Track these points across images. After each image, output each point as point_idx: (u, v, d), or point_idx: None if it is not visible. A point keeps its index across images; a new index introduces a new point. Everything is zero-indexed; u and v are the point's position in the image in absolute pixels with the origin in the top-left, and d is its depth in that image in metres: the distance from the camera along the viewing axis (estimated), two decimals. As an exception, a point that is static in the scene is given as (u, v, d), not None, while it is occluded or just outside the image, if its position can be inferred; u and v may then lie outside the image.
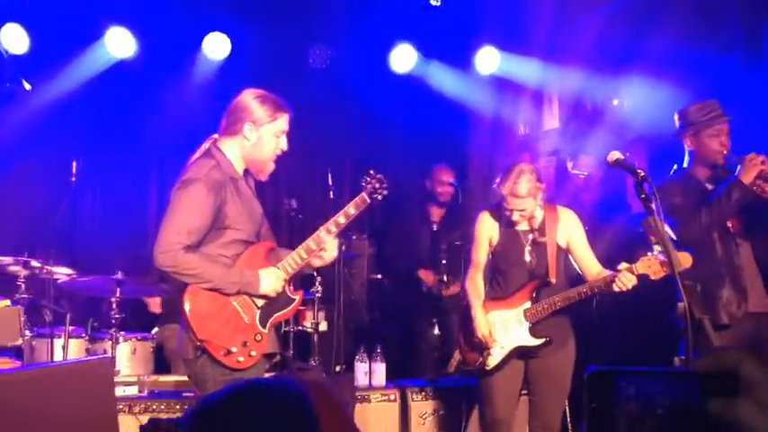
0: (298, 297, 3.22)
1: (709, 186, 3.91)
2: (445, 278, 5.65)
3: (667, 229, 3.47)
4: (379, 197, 3.34)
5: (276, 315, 3.15)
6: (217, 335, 2.98)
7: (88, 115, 5.91)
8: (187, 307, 2.97)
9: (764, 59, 5.18)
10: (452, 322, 5.43)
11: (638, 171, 2.89)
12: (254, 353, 3.01)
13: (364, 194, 3.30)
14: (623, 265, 3.55)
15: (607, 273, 3.68)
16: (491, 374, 3.81)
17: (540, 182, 3.76)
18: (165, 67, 6.16)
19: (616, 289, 3.55)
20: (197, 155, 3.18)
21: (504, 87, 6.82)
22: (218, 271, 2.99)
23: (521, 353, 3.81)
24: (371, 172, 3.36)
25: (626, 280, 3.52)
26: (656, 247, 2.87)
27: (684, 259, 3.38)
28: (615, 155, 3.06)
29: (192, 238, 2.96)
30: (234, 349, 2.97)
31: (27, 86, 4.72)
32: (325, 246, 3.22)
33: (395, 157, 6.45)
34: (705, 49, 5.33)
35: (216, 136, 3.22)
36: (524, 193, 3.70)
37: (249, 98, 3.17)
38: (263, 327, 3.09)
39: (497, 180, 3.79)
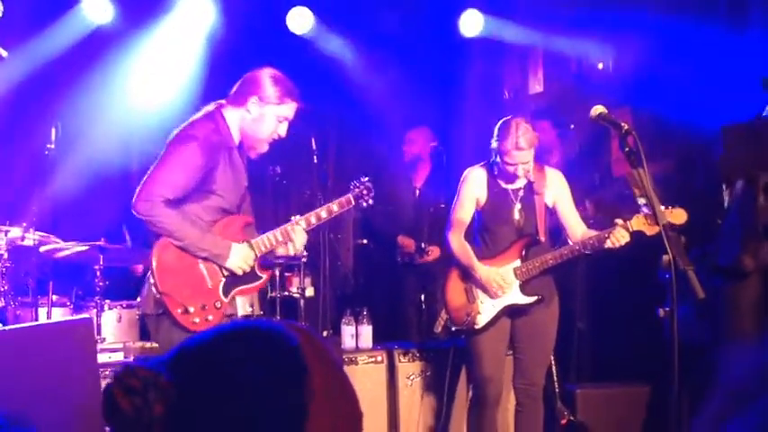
0: (265, 276, 3.26)
1: None
2: (423, 245, 5.62)
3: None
4: (364, 204, 3.46)
5: (241, 287, 3.18)
6: (178, 291, 3.01)
7: (67, 81, 5.81)
8: (155, 258, 3.01)
9: (749, 23, 5.15)
10: (437, 286, 5.42)
11: (622, 124, 2.88)
12: (210, 317, 3.03)
13: (350, 197, 3.40)
14: (618, 221, 3.55)
15: (594, 233, 3.68)
16: (479, 333, 3.82)
17: (535, 132, 3.78)
18: (144, 32, 6.05)
19: (609, 245, 3.57)
20: (199, 114, 3.19)
21: (488, 51, 6.76)
22: (193, 232, 3.00)
23: (510, 311, 3.82)
24: (363, 179, 3.46)
25: (620, 236, 3.54)
26: (641, 200, 2.86)
27: (679, 216, 3.38)
28: (599, 109, 3.03)
29: (176, 194, 2.98)
30: (191, 309, 2.99)
31: (3, 53, 4.63)
32: (293, 237, 3.22)
33: (378, 122, 6.40)
34: (690, 13, 5.29)
35: (222, 101, 3.22)
36: (526, 145, 3.70)
37: (264, 75, 3.19)
38: (225, 296, 3.11)
39: (496, 137, 3.78)
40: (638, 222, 3.51)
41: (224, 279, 3.11)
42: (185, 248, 3.01)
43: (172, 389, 0.81)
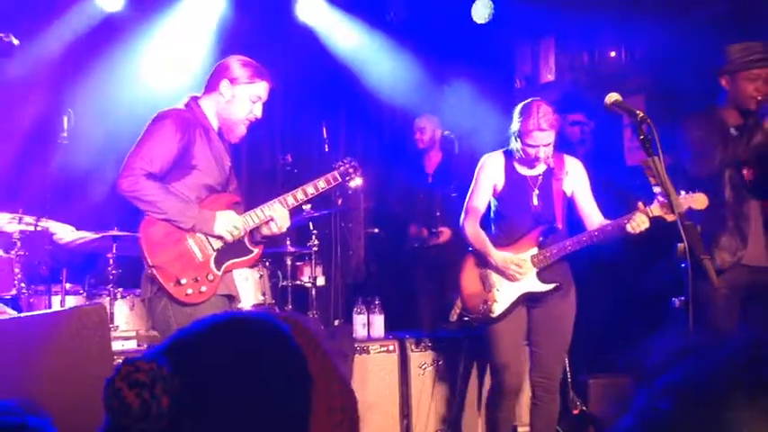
0: (257, 250, 3.29)
1: (735, 132, 3.73)
2: (434, 230, 5.62)
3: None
4: (351, 182, 3.47)
5: (232, 261, 3.21)
6: (169, 264, 3.04)
7: (78, 70, 5.82)
8: (142, 236, 3.06)
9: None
10: (450, 274, 5.41)
11: (637, 112, 2.84)
12: (204, 289, 3.06)
13: (336, 173, 3.41)
14: (640, 205, 3.51)
15: (611, 222, 3.64)
16: (496, 322, 3.76)
17: (556, 113, 3.71)
18: (155, 20, 6.05)
19: (630, 230, 3.51)
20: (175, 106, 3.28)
21: (500, 39, 6.72)
22: (176, 203, 3.05)
23: (526, 299, 3.77)
24: (347, 158, 3.49)
25: (640, 221, 3.48)
26: (656, 189, 2.83)
27: (700, 200, 3.35)
28: (614, 96, 3.00)
29: (155, 167, 3.04)
30: (183, 281, 3.03)
31: (15, 41, 4.62)
32: (273, 215, 3.24)
33: (389, 110, 6.38)
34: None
35: (197, 94, 3.32)
36: (548, 126, 3.64)
37: (232, 59, 3.30)
38: (218, 269, 3.14)
39: (518, 119, 3.71)
40: (657, 208, 3.46)
41: (214, 253, 3.15)
42: (171, 219, 3.04)
43: (175, 380, 0.81)
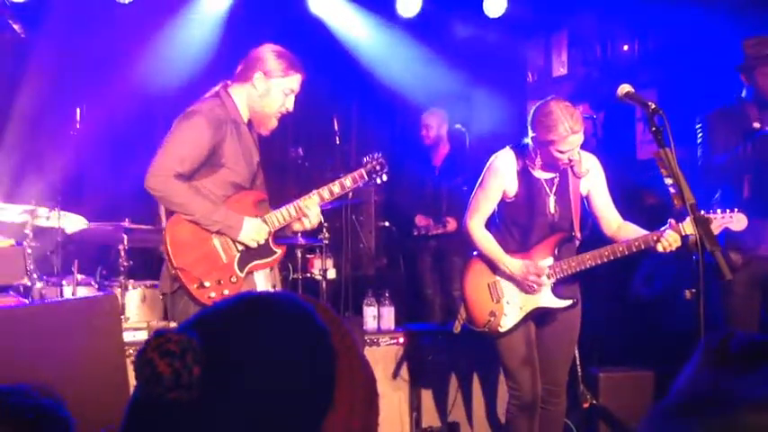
0: (280, 251, 3.26)
1: (757, 125, 3.72)
2: (442, 219, 5.64)
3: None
4: (378, 180, 3.37)
5: (255, 263, 3.18)
6: (193, 266, 3.03)
7: (89, 62, 5.84)
8: (168, 235, 3.04)
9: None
10: (454, 261, 5.41)
11: (649, 103, 2.81)
12: (227, 291, 3.05)
13: (363, 171, 3.34)
14: (671, 222, 3.26)
15: (632, 227, 3.45)
16: (504, 336, 3.51)
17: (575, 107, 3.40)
18: (165, 10, 6.05)
19: (660, 249, 3.24)
20: (206, 95, 3.23)
21: (512, 32, 6.70)
22: (204, 205, 3.03)
23: (537, 314, 3.49)
24: (376, 154, 3.38)
25: (672, 240, 3.22)
26: (667, 180, 2.81)
27: (739, 221, 3.27)
28: (626, 87, 2.96)
29: (185, 167, 3.01)
30: (207, 284, 3.01)
31: (21, 32, 4.65)
32: (306, 211, 3.22)
33: (400, 103, 6.38)
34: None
35: (228, 81, 3.25)
36: (580, 126, 3.30)
37: (267, 50, 3.21)
38: (241, 271, 3.12)
39: (545, 127, 3.30)
40: (690, 226, 3.07)
41: (238, 254, 3.13)
42: (197, 222, 3.03)
43: (204, 351, 0.82)
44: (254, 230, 3.11)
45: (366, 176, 3.34)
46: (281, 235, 3.36)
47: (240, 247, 3.13)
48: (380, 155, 3.38)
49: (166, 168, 2.98)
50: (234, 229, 3.07)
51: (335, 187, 3.28)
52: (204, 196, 3.06)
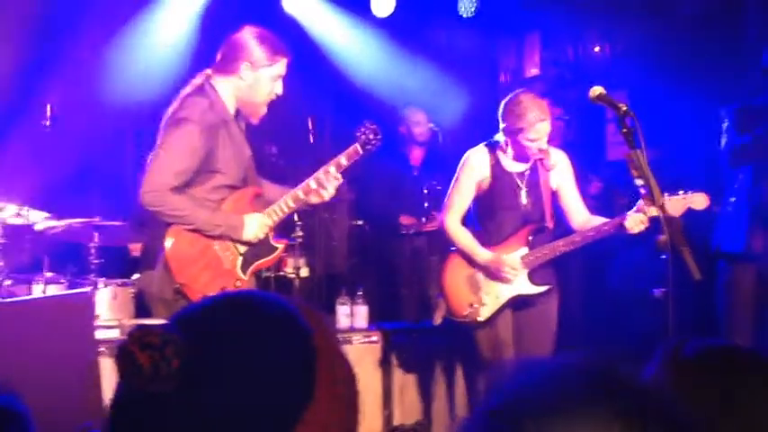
0: (281, 246, 3.22)
1: None
2: (427, 216, 5.66)
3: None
4: (372, 149, 3.21)
5: (258, 262, 3.14)
6: (196, 279, 2.97)
7: (59, 57, 5.76)
8: (168, 248, 2.95)
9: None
10: (432, 261, 5.42)
11: (620, 105, 2.86)
12: None
13: (357, 146, 3.17)
14: (638, 205, 3.39)
15: (599, 219, 3.57)
16: (483, 326, 3.61)
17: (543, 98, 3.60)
18: (138, 4, 6.00)
19: (627, 229, 3.39)
20: (188, 89, 3.09)
21: (485, 33, 6.75)
22: (204, 214, 2.96)
23: (516, 302, 3.62)
24: (367, 123, 3.22)
25: (638, 219, 3.36)
26: (638, 181, 2.86)
27: (699, 201, 3.35)
28: (598, 89, 3.01)
29: (180, 180, 2.93)
30: (211, 294, 2.96)
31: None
32: (325, 184, 3.11)
33: (374, 102, 6.38)
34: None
35: (209, 72, 3.12)
36: (547, 114, 3.49)
37: (248, 36, 3.07)
38: (244, 274, 3.08)
39: (516, 115, 3.49)
40: (654, 210, 3.18)
41: (240, 257, 3.07)
42: (199, 230, 2.97)
43: (185, 345, 0.83)
44: (257, 226, 3.06)
45: (361, 150, 3.16)
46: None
47: (242, 249, 3.08)
48: (371, 122, 3.22)
49: (161, 184, 2.89)
50: (237, 229, 3.01)
51: (331, 168, 3.14)
52: (201, 204, 2.99)
